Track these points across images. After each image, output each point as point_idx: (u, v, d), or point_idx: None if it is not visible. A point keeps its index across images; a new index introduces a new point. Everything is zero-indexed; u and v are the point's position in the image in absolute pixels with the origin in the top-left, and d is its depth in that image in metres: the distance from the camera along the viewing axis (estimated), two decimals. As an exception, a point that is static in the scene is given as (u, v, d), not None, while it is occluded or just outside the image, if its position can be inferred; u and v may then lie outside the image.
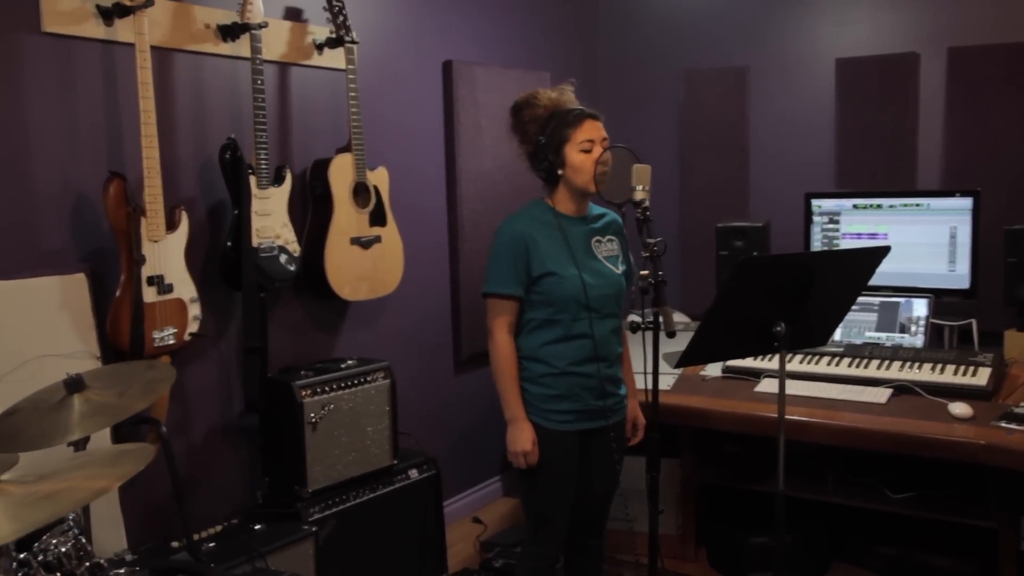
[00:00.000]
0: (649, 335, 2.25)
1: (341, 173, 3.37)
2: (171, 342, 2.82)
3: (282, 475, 3.19)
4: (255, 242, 3.07)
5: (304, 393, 3.12)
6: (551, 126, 2.62)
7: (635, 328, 2.32)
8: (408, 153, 3.94)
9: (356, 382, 3.29)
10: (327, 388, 3.19)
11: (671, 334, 2.17)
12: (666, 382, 3.59)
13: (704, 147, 4.93)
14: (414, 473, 3.51)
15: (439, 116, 4.12)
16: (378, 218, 3.51)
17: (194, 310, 2.90)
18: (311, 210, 3.42)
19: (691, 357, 2.28)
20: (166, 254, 2.80)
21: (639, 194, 2.44)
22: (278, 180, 3.19)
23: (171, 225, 2.85)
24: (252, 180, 3.06)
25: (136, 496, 2.86)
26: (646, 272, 2.22)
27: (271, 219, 3.13)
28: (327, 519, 3.14)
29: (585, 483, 2.72)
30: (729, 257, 4.11)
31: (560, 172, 2.62)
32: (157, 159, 2.73)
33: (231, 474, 3.24)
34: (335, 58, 3.47)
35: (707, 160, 4.92)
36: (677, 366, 2.37)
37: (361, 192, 3.45)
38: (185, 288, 2.87)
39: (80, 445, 2.11)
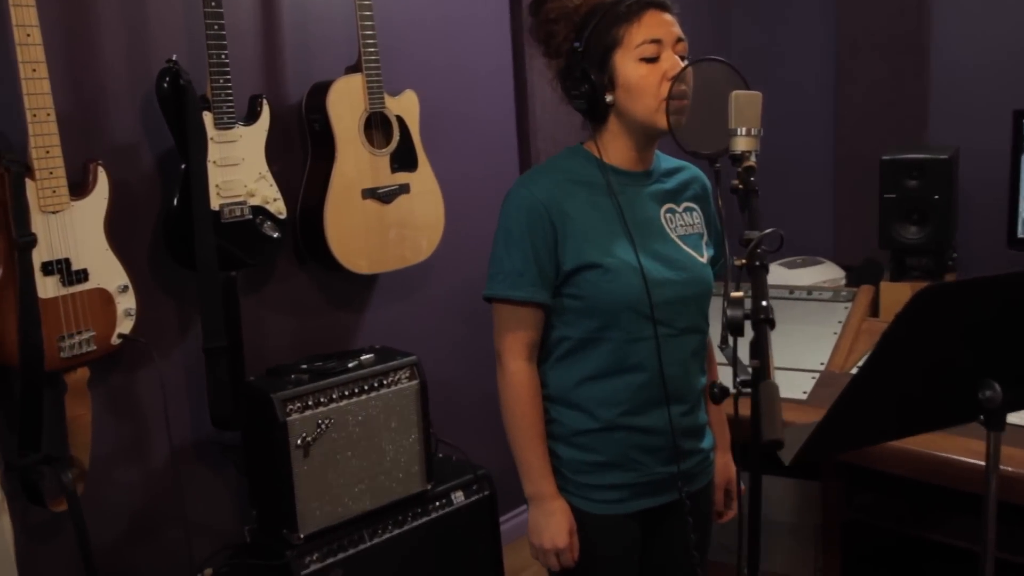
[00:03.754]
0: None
1: (346, 101, 2.47)
2: (89, 349, 2.05)
3: (270, 511, 2.41)
4: (215, 203, 2.24)
5: (289, 408, 2.30)
6: (593, 24, 1.62)
7: (717, 398, 1.34)
8: (458, 73, 2.98)
9: (369, 387, 2.45)
10: (324, 398, 2.36)
11: (771, 444, 1.14)
12: (801, 385, 2.58)
13: (868, 46, 3.72)
14: (459, 496, 2.67)
15: (504, 18, 3.13)
16: (404, 160, 2.60)
17: (125, 303, 2.11)
18: (310, 154, 2.55)
19: (824, 445, 1.27)
20: (73, 229, 2.01)
21: (742, 142, 1.44)
22: (251, 117, 2.32)
23: (81, 189, 2.04)
24: (207, 118, 2.21)
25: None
26: (739, 295, 1.23)
27: (240, 170, 2.28)
28: (331, 568, 2.36)
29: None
30: (898, 201, 2.98)
31: (608, 99, 1.63)
32: (48, 94, 1.91)
33: (211, 506, 2.49)
34: (341, -58, 2.53)
35: (872, 64, 3.72)
36: (793, 462, 1.35)
37: (378, 126, 2.55)
38: (108, 274, 2.08)
39: None
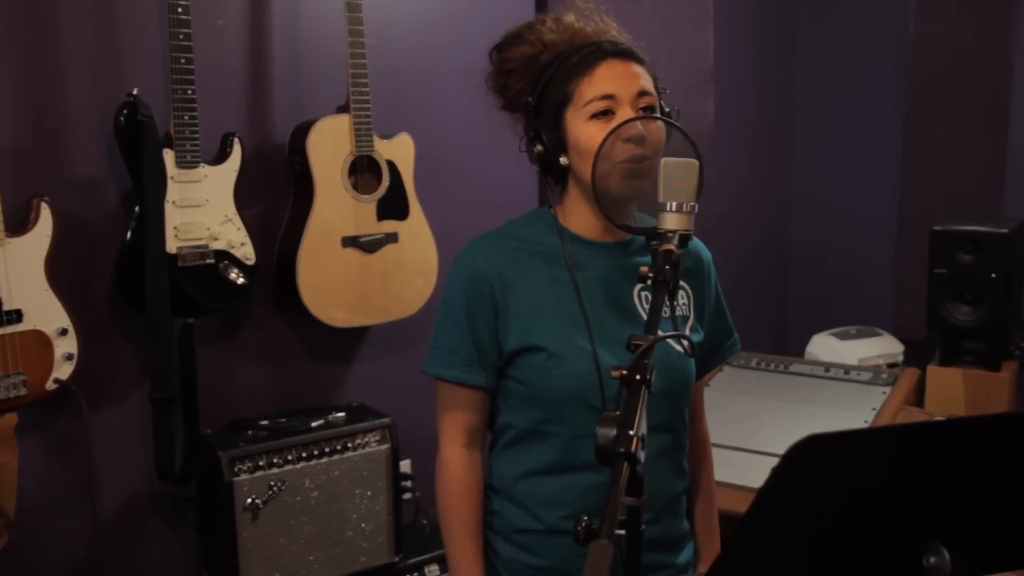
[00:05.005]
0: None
1: (328, 143, 2.33)
2: (19, 393, 1.94)
3: (218, 575, 2.26)
4: (172, 246, 2.11)
5: (238, 467, 2.14)
6: (547, 77, 1.42)
7: (579, 537, 1.09)
8: (468, 118, 2.81)
9: (332, 449, 2.27)
10: (279, 458, 2.20)
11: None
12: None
13: (940, 103, 3.40)
14: (434, 570, 2.47)
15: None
16: (393, 208, 2.44)
17: (64, 346, 2.00)
18: (291, 198, 2.41)
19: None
20: (6, 267, 1.90)
21: (669, 219, 1.21)
22: (220, 156, 2.20)
23: (21, 224, 1.95)
24: (168, 156, 2.09)
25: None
26: (612, 413, 0.99)
27: (203, 212, 2.15)
28: (277, 643, 2.18)
29: None
30: (950, 278, 2.66)
31: (563, 161, 1.42)
32: (-13, 126, 1.83)
33: (162, 563, 2.34)
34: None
35: (944, 122, 3.40)
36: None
37: (365, 171, 2.40)
38: (46, 315, 1.97)
39: None
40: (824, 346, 3.43)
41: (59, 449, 2.15)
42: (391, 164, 2.43)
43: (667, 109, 1.47)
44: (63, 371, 2.00)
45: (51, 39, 2.06)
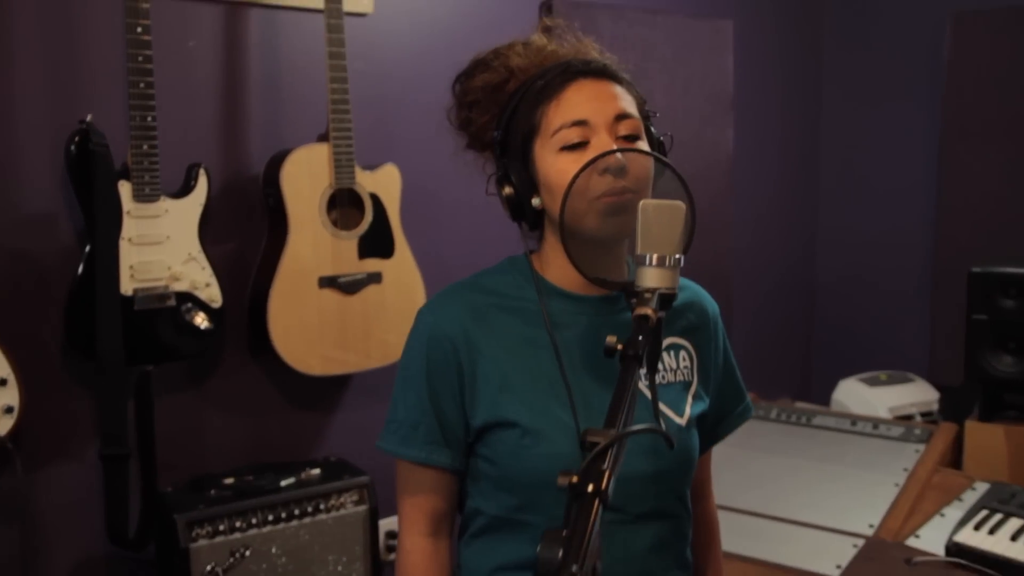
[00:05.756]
0: None
1: (304, 175, 2.14)
2: (-50, 451, 1.75)
3: (175, 648, 2.05)
4: (127, 287, 1.93)
5: (196, 532, 1.94)
6: (513, 106, 1.22)
7: None
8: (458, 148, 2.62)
9: (303, 511, 2.07)
10: (242, 522, 2.00)
11: None
12: (836, 555, 2.03)
13: (977, 133, 3.17)
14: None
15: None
16: (376, 245, 2.24)
17: (5, 398, 1.81)
18: (266, 233, 2.22)
19: None
20: (-62, 311, 1.73)
21: (650, 275, 1.00)
22: (184, 189, 2.02)
23: (-45, 263, 1.77)
24: (124, 189, 1.91)
25: None
26: (558, 532, 0.78)
27: (163, 250, 1.97)
28: None
29: None
30: (990, 324, 2.42)
31: (535, 202, 1.22)
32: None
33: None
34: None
35: (981, 153, 3.16)
36: None
37: (346, 205, 2.21)
38: (-21, 364, 1.79)
39: None
40: (852, 392, 3.18)
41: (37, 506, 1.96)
42: (375, 198, 2.23)
43: (658, 136, 1.26)
44: (2, 425, 1.82)
45: (1, 62, 1.89)
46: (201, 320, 2.03)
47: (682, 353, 1.29)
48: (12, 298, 1.90)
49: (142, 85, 1.89)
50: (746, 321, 3.47)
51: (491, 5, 2.63)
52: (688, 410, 1.26)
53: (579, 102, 1.17)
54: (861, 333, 3.66)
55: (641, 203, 1.02)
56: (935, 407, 3.17)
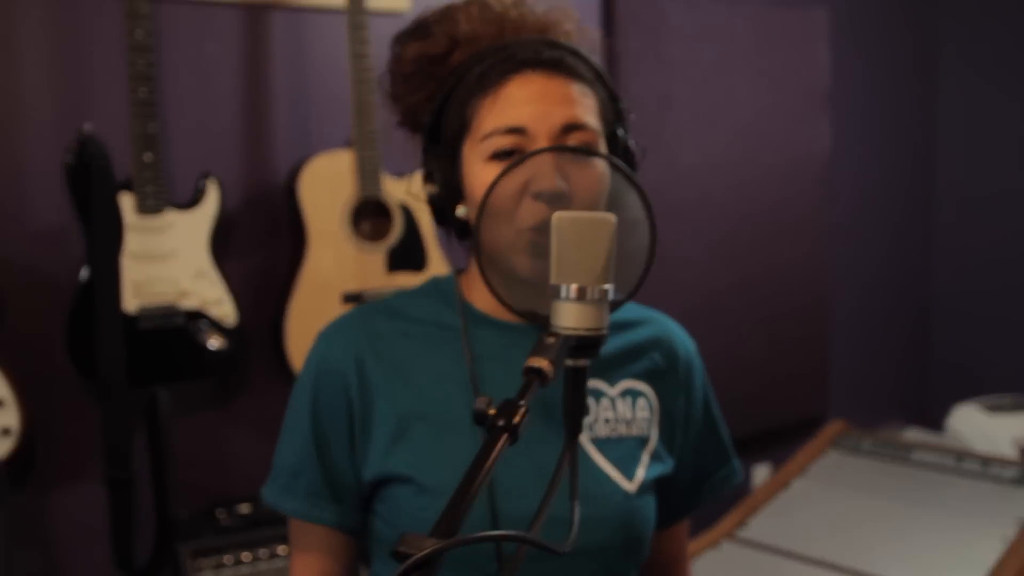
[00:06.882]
0: None
1: (324, 185, 2.00)
2: (-57, 475, 1.69)
3: None
4: (131, 305, 1.83)
5: (201, 562, 1.83)
6: (445, 90, 1.01)
7: None
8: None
9: (319, 544, 1.92)
10: (249, 554, 1.87)
11: None
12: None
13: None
14: None
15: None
16: (407, 258, 2.08)
17: (2, 419, 1.74)
18: (289, 248, 2.10)
19: None
20: (-70, 330, 1.67)
21: (568, 312, 0.78)
22: (193, 200, 1.91)
23: (-52, 280, 1.71)
24: (127, 201, 1.81)
25: None
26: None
27: (170, 266, 1.86)
28: None
29: None
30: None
31: (460, 212, 1.02)
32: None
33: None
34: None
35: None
36: None
37: (373, 216, 2.05)
38: (-24, 384, 1.72)
39: None
40: (970, 420, 2.81)
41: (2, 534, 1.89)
42: (404, 207, 2.07)
43: (631, 145, 1.04)
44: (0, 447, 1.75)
45: (5, 69, 1.83)
46: (212, 339, 1.91)
47: (640, 401, 1.06)
48: (18, 315, 1.83)
49: (143, 91, 1.79)
50: (846, 338, 3.13)
51: (546, -3, 2.43)
52: (642, 472, 1.03)
53: (519, 102, 0.95)
54: (983, 351, 3.26)
55: (554, 216, 0.80)
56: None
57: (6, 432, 1.75)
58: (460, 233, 1.05)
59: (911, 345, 3.42)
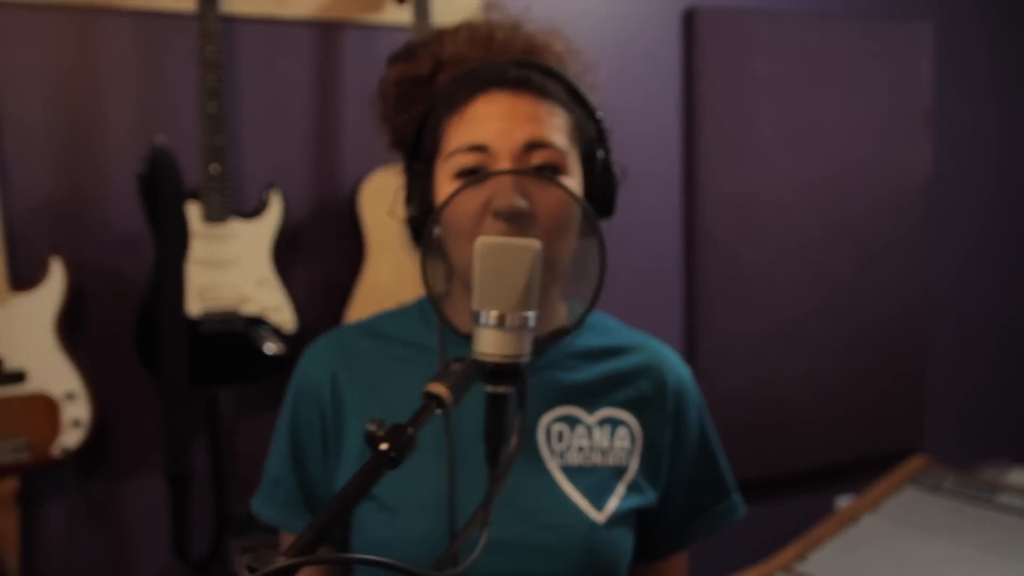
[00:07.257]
0: None
1: (384, 199, 2.05)
2: (18, 459, 1.82)
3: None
4: (195, 309, 1.93)
5: (249, 557, 1.90)
6: (424, 111, 1.03)
7: None
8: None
9: (364, 548, 1.97)
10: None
11: None
12: None
13: None
14: None
15: (672, 104, 2.50)
16: (465, 272, 2.11)
17: (73, 411, 1.87)
18: (352, 257, 2.16)
19: None
20: (11, 325, 1.80)
21: (488, 338, 0.79)
22: (257, 210, 1.99)
23: (27, 280, 1.84)
24: (194, 210, 1.91)
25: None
26: None
27: (233, 273, 1.95)
28: None
29: None
30: None
31: (436, 231, 1.02)
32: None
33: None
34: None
35: None
36: None
37: (432, 229, 2.09)
38: (53, 377, 1.85)
39: None
40: None
41: (73, 520, 2.02)
42: (464, 221, 2.10)
43: (612, 164, 1.03)
44: (71, 438, 1.87)
45: (89, 85, 1.97)
46: (271, 344, 1.99)
47: (620, 431, 1.04)
48: (95, 315, 1.96)
49: (212, 106, 1.88)
50: (947, 369, 2.96)
51: (625, 13, 2.42)
52: (614, 503, 1.01)
53: (483, 120, 0.96)
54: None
55: (477, 241, 0.80)
56: None
57: (76, 423, 1.87)
58: (435, 254, 1.06)
59: (1017, 378, 3.21)
